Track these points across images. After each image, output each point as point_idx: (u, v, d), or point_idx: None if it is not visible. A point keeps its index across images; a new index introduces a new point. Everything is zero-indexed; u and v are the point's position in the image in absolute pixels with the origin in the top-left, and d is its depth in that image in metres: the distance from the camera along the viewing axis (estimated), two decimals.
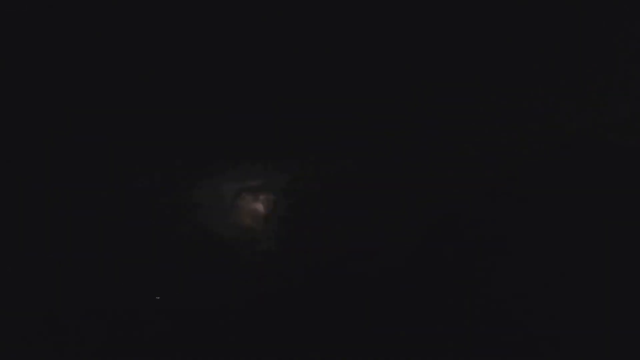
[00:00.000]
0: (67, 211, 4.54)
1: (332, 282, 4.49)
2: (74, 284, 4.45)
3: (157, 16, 4.67)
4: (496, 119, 4.67)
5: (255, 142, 4.67)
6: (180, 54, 4.71)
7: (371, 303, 4.44)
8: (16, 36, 4.64)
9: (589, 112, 4.65)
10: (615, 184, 4.53)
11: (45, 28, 4.63)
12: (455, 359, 4.26)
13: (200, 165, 4.71)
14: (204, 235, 4.66)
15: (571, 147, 4.57)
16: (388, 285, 4.44)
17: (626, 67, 4.70)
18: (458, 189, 4.63)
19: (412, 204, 4.62)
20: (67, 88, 4.61)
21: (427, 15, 4.73)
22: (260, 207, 4.75)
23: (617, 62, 4.68)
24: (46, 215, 4.54)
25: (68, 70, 4.65)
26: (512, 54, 4.75)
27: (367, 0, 4.72)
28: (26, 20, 4.63)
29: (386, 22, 4.74)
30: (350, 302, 4.47)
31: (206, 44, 4.72)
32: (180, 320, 4.45)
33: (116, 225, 4.55)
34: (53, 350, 4.35)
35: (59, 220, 4.52)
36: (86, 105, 4.62)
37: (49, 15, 4.62)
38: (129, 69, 4.69)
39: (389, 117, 4.68)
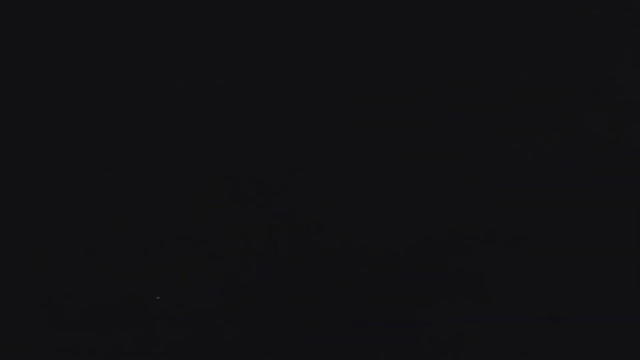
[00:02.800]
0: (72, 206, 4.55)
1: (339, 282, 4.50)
2: (74, 282, 4.46)
3: (160, 18, 4.69)
4: (496, 119, 4.67)
5: (257, 141, 4.69)
6: (191, 57, 4.73)
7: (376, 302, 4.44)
8: (15, 37, 4.66)
9: (587, 113, 4.65)
10: (615, 184, 4.53)
11: (44, 30, 4.65)
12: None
13: (204, 164, 4.72)
14: (206, 234, 4.67)
15: (572, 147, 4.58)
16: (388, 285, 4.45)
17: (626, 67, 4.71)
18: (458, 188, 4.64)
19: (413, 204, 4.63)
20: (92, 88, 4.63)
21: (427, 16, 4.75)
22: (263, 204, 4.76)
23: (617, 62, 4.69)
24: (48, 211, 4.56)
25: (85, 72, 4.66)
26: (511, 54, 4.76)
27: (366, 1, 4.74)
28: (26, 21, 4.65)
29: (385, 23, 4.75)
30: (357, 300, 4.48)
31: (208, 45, 4.74)
32: (181, 320, 4.45)
33: (116, 222, 4.56)
34: (52, 350, 4.36)
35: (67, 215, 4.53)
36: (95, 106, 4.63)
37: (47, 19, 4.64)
38: (132, 71, 4.70)
39: (388, 117, 4.69)
